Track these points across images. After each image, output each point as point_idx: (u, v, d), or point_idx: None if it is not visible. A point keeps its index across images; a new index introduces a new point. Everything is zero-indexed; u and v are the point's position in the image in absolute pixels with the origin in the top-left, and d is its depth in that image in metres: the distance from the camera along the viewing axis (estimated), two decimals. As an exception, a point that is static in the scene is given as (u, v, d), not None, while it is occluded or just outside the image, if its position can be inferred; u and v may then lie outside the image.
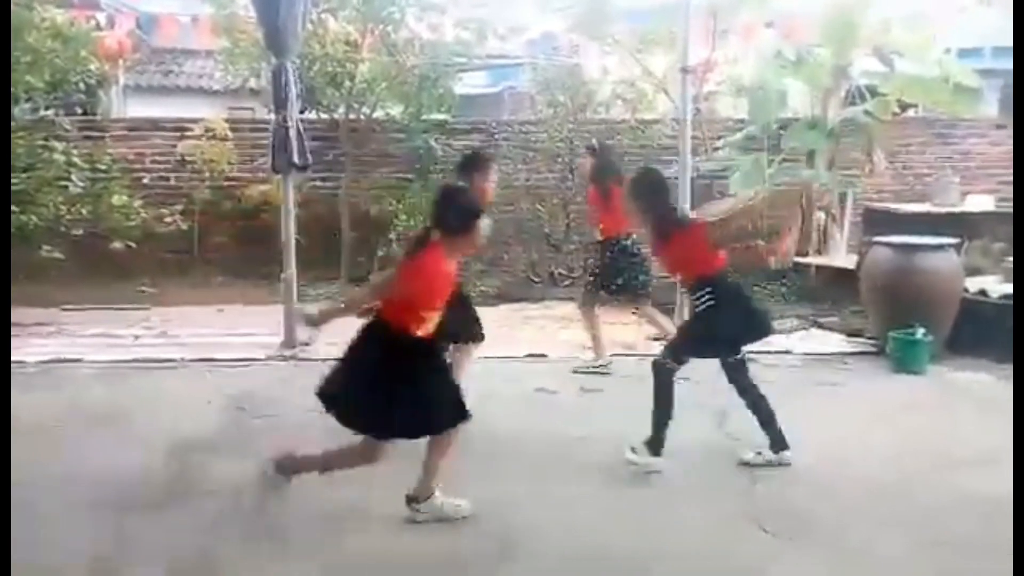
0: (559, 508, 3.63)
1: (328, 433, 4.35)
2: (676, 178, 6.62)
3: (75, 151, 7.73)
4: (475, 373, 5.72)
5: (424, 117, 8.85)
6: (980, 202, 7.87)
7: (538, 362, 6.07)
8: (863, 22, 7.89)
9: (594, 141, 6.84)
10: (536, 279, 8.61)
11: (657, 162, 8.64)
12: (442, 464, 3.43)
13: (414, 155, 8.85)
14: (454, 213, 3.42)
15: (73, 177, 7.51)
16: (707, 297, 4.01)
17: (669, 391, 4.02)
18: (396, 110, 9.00)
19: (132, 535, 3.40)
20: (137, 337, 6.73)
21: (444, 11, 8.85)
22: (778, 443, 4.04)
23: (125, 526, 3.46)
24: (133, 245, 7.79)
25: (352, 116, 8.78)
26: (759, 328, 4.24)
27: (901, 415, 4.87)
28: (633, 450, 3.99)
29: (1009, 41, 11.48)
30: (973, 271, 6.24)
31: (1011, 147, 9.15)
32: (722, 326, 4.02)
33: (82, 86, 8.21)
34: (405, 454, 3.45)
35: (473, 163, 4.76)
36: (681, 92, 6.57)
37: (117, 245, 7.69)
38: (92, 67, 8.21)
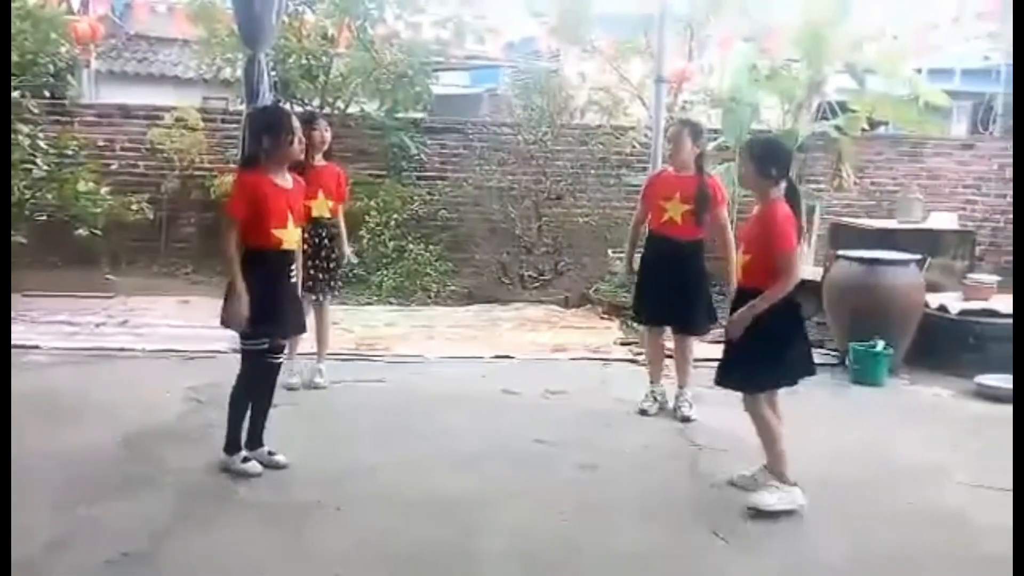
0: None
1: (284, 425, 4.36)
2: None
3: (41, 135, 7.59)
4: (442, 374, 5.74)
5: (399, 114, 8.84)
6: (943, 220, 8.01)
7: (504, 363, 6.07)
8: (837, 38, 8.00)
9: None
10: (506, 281, 8.62)
11: (630, 168, 8.78)
12: None
13: (388, 152, 8.82)
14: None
15: (38, 161, 7.37)
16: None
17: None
18: (371, 106, 8.97)
19: (77, 523, 3.36)
20: (99, 325, 6.64)
21: (423, 9, 8.85)
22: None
23: (71, 514, 3.42)
24: (98, 232, 7.66)
25: (326, 110, 8.74)
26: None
27: (856, 425, 4.94)
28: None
29: (977, 64, 11.80)
30: (934, 287, 6.34)
31: (975, 167, 9.36)
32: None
33: (51, 69, 8.07)
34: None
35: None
36: (655, 101, 6.62)
37: (82, 232, 7.56)
38: (63, 50, 8.08)
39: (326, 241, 5.15)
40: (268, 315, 3.72)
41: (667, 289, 4.78)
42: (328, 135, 5.16)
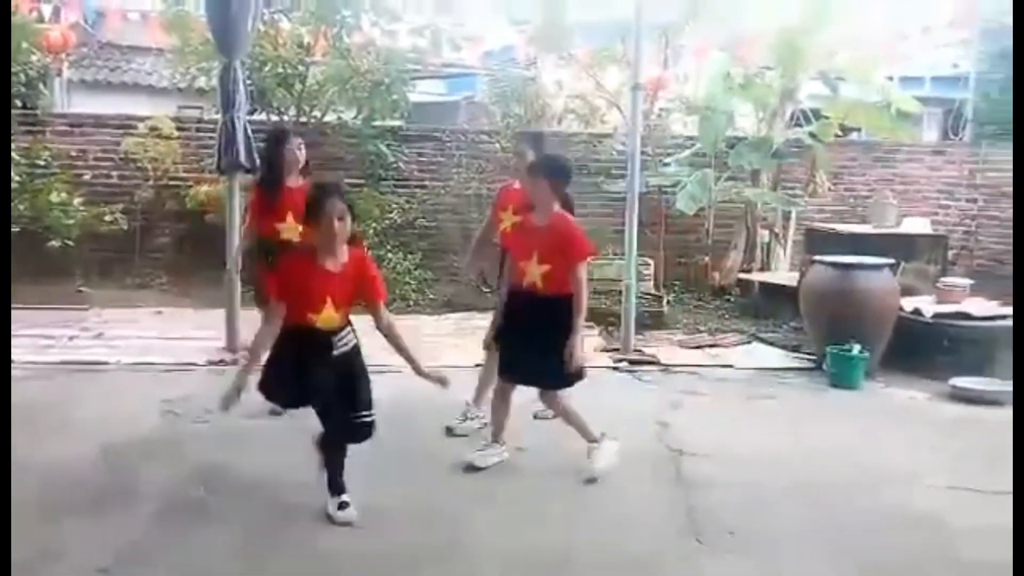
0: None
1: (266, 441, 4.32)
2: (626, 193, 6.72)
3: (12, 145, 7.49)
4: (423, 383, 5.71)
5: (376, 123, 8.81)
6: (917, 224, 8.13)
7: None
8: (810, 47, 8.11)
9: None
10: (486, 289, 8.60)
11: (608, 176, 8.82)
12: None
13: (365, 160, 8.79)
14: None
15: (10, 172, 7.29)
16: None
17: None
18: (348, 115, 8.93)
19: (53, 537, 3.31)
20: (72, 338, 6.54)
21: (399, 17, 8.84)
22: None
23: (48, 527, 3.38)
24: (71, 244, 7.57)
25: (303, 119, 8.70)
26: None
27: (833, 428, 4.98)
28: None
29: (947, 72, 11.99)
30: (908, 291, 6.42)
31: (947, 173, 9.51)
32: None
33: (23, 79, 7.98)
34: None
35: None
36: (632, 108, 6.66)
37: (55, 243, 7.46)
38: (34, 59, 8.00)
39: None
40: (276, 379, 3.53)
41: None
42: (302, 153, 4.97)
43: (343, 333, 3.55)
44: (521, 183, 4.44)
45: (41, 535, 3.33)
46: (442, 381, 3.67)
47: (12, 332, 6.50)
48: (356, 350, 3.61)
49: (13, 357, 5.82)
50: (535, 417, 4.60)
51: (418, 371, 3.64)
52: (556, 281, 3.94)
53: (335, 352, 3.52)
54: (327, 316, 3.48)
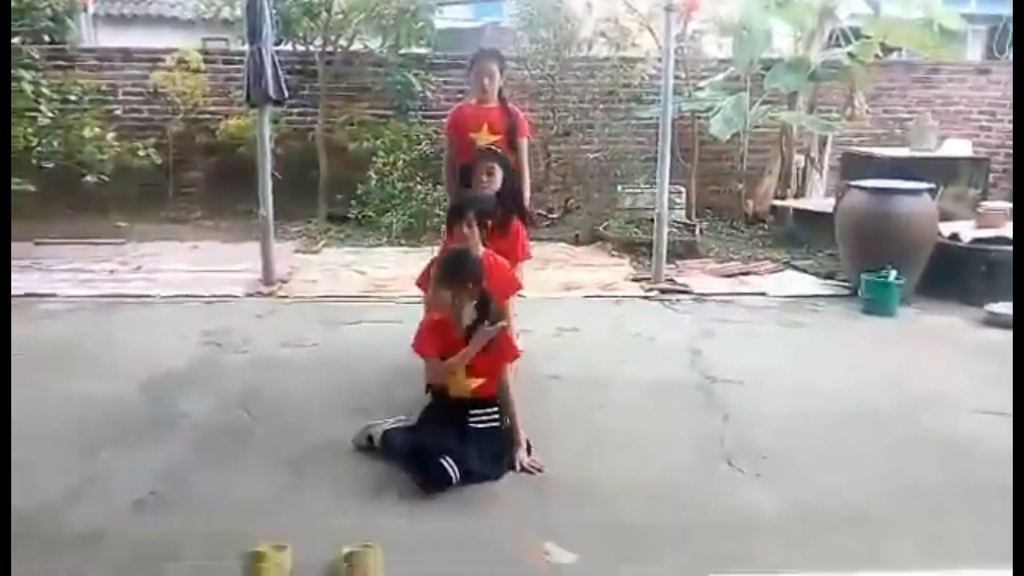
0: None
1: (303, 368, 4.42)
2: (658, 119, 6.60)
3: (44, 81, 7.51)
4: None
5: (403, 51, 8.68)
6: (957, 147, 7.90)
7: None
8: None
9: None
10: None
11: (639, 102, 8.65)
12: None
13: (392, 90, 8.70)
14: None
15: (42, 107, 7.32)
16: None
17: None
18: (374, 43, 8.81)
19: (97, 466, 3.44)
20: (112, 272, 6.68)
21: (424, -59, 8.61)
22: None
23: (90, 457, 3.50)
24: (106, 179, 7.65)
25: (329, 48, 8.60)
26: None
27: (869, 356, 4.97)
28: None
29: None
30: (947, 215, 6.30)
31: (990, 93, 9.19)
32: None
33: (50, 13, 7.94)
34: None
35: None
36: (665, 31, 6.47)
37: (90, 178, 7.54)
38: (60, -7, 7.95)
39: None
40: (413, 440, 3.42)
41: None
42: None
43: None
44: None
45: (87, 464, 3.45)
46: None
47: (54, 267, 6.70)
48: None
49: (55, 292, 6.01)
50: None
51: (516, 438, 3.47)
52: None
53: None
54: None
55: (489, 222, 4.01)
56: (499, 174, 4.27)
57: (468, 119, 4.70)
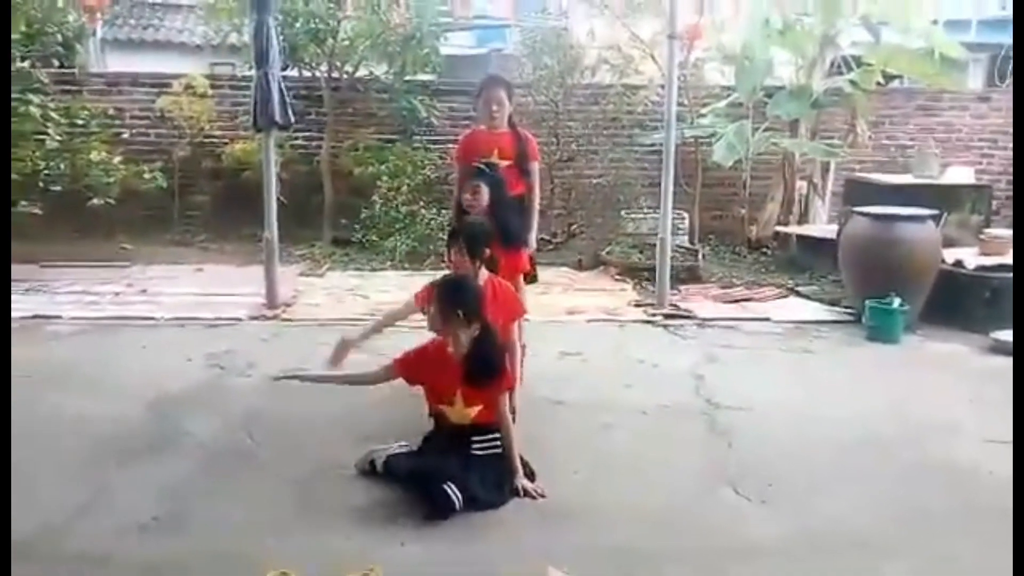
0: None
1: (306, 393, 4.41)
2: (661, 146, 6.64)
3: (52, 104, 7.60)
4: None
5: (408, 77, 8.77)
6: (960, 174, 7.93)
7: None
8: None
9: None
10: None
11: (642, 128, 8.70)
12: None
13: (397, 116, 8.78)
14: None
15: (50, 131, 7.39)
16: None
17: None
18: (380, 69, 8.90)
19: (104, 489, 3.43)
20: (117, 294, 6.70)
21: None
22: None
23: (99, 479, 3.49)
24: (112, 202, 7.70)
25: (335, 74, 8.68)
26: None
27: (873, 383, 4.95)
28: None
29: (994, 14, 11.56)
30: (950, 242, 6.31)
31: (992, 120, 9.24)
32: None
33: (59, 38, 8.05)
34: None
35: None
36: (668, 58, 6.53)
37: (96, 201, 7.59)
38: (70, 18, 8.05)
39: None
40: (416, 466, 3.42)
41: None
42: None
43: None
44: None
45: (92, 484, 3.45)
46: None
47: (59, 289, 6.72)
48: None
49: (61, 313, 6.02)
50: None
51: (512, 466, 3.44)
52: None
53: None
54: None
55: (487, 250, 3.93)
56: (485, 192, 4.25)
57: (480, 144, 4.73)
